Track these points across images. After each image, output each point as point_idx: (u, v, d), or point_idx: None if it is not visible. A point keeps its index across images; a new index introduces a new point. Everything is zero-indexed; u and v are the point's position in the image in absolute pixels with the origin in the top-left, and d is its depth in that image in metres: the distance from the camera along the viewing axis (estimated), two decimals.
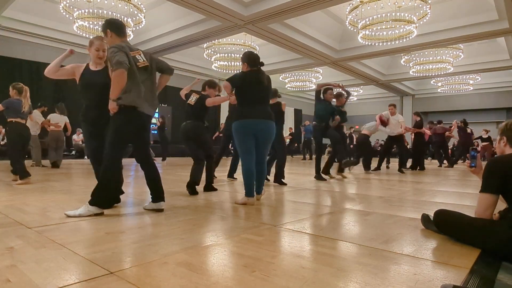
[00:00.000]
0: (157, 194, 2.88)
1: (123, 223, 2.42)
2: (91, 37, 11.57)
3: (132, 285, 1.35)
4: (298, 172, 7.50)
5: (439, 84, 18.19)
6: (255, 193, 3.34)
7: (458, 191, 4.68)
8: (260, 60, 3.48)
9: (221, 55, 13.65)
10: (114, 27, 2.81)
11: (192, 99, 4.24)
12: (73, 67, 3.10)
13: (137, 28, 10.64)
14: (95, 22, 9.75)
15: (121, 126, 2.69)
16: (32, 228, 2.22)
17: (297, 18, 10.78)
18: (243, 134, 3.29)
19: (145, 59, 2.81)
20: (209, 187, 4.23)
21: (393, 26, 10.14)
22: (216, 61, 14.02)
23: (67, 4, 9.39)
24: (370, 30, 10.50)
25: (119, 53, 2.58)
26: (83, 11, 9.41)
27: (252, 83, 3.38)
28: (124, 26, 2.90)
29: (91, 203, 2.61)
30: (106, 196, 2.71)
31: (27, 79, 11.23)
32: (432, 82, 18.77)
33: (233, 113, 3.73)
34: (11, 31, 11.38)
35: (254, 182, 3.34)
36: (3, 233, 2.10)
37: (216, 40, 12.57)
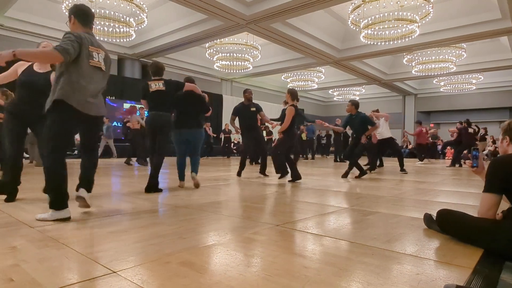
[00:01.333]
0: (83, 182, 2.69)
1: (126, 223, 2.42)
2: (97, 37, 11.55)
3: (135, 284, 1.35)
4: (301, 172, 7.47)
5: (442, 83, 18.14)
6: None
7: (461, 190, 4.66)
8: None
9: (223, 54, 13.66)
10: (80, 14, 2.59)
11: (158, 85, 4.02)
12: (15, 66, 3.11)
13: (140, 28, 10.66)
14: (98, 22, 9.76)
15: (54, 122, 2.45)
16: (35, 227, 2.22)
17: (299, 18, 10.77)
18: None
19: (101, 61, 2.64)
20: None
21: (395, 25, 10.11)
22: (218, 61, 14.04)
23: (69, 4, 9.41)
24: (372, 29, 10.48)
25: (71, 42, 2.34)
26: None
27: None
28: (92, 16, 2.67)
29: (50, 206, 2.42)
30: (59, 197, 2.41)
31: None
32: (434, 82, 18.71)
33: None
34: (14, 31, 11.42)
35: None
36: (6, 232, 2.11)
37: (218, 40, 12.58)
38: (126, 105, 14.33)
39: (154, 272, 1.49)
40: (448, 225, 2.17)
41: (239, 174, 6.11)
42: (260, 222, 2.52)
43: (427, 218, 2.43)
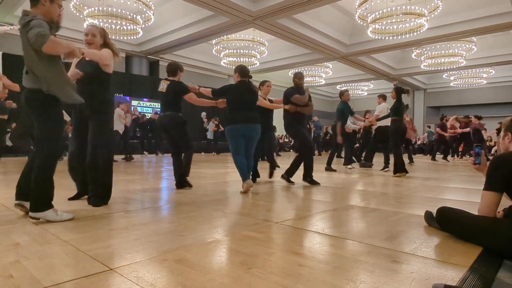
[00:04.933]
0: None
1: (127, 220, 2.46)
2: None
3: (129, 281, 1.38)
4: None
5: (452, 78, 17.85)
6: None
7: (467, 187, 4.60)
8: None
9: (230, 51, 13.67)
10: None
11: (163, 86, 4.04)
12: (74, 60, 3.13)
13: (146, 25, 10.72)
14: (105, 20, 9.86)
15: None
16: (39, 224, 2.28)
17: (305, 13, 10.70)
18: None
19: None
20: (181, 183, 4.07)
21: (403, 19, 9.98)
22: (225, 57, 14.05)
23: (78, 2, 9.51)
24: (380, 24, 10.36)
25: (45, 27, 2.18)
26: (93, 9, 9.53)
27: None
28: None
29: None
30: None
31: None
32: (444, 76, 18.44)
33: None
34: None
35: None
36: (11, 229, 2.17)
37: (225, 36, 12.58)
38: (134, 102, 14.47)
39: (150, 269, 1.51)
40: (447, 222, 2.16)
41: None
42: (259, 219, 2.53)
43: (428, 215, 2.42)
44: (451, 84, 18.86)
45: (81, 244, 1.86)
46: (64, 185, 3.63)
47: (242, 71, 4.05)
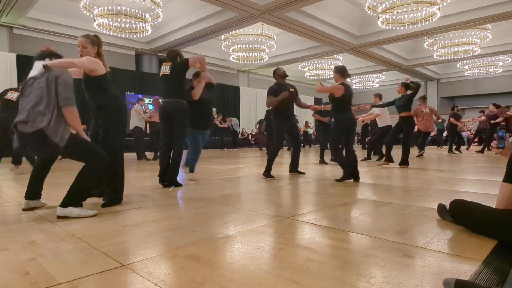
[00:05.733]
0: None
1: (139, 217, 2.50)
2: (111, 34, 11.66)
3: (141, 277, 1.41)
4: (316, 162, 7.44)
5: (466, 67, 17.42)
6: None
7: (482, 179, 4.51)
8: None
9: (238, 46, 13.64)
10: None
11: (165, 68, 3.89)
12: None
13: (155, 22, 10.76)
14: (115, 19, 9.95)
15: None
16: (54, 222, 2.33)
17: (314, 5, 10.57)
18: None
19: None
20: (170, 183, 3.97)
21: (414, 8, 9.76)
22: (234, 53, 14.03)
23: (87, 2, 9.62)
24: (391, 14, 10.15)
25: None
26: (102, 8, 9.62)
27: None
28: None
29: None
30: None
31: None
32: (458, 66, 18.01)
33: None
34: (36, 31, 11.81)
35: None
36: (28, 227, 2.23)
37: (234, 31, 12.54)
38: (145, 100, 14.59)
39: (161, 265, 1.54)
40: (461, 215, 2.12)
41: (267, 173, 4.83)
42: (269, 214, 2.54)
43: (441, 208, 2.38)
44: (466, 74, 18.41)
45: (95, 241, 1.89)
46: None
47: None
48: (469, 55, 14.31)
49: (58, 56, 2.67)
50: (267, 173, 4.74)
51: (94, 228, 2.19)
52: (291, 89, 4.84)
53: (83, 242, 1.88)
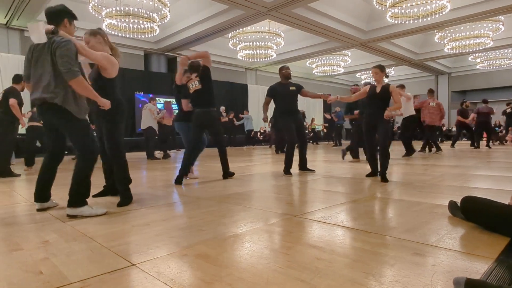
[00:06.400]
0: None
1: (149, 216, 2.52)
2: (120, 34, 11.72)
3: (151, 276, 1.42)
4: (328, 159, 7.40)
5: (478, 60, 17.10)
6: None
7: (495, 174, 4.43)
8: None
9: (246, 44, 13.62)
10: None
11: (195, 84, 4.24)
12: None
13: (163, 22, 10.82)
14: (123, 20, 10.03)
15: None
16: (66, 222, 2.37)
17: (321, 1, 10.49)
18: None
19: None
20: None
21: (424, 1, 9.61)
22: (241, 50, 14.02)
23: (96, 4, 9.71)
24: (400, 7, 10.01)
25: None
26: (111, 9, 9.71)
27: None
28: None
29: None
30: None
31: None
32: (470, 59, 17.69)
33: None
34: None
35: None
36: (41, 227, 2.27)
37: (241, 29, 12.53)
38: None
39: (171, 265, 1.55)
40: (472, 212, 2.09)
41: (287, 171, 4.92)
42: (278, 213, 2.54)
43: (452, 205, 2.35)
44: (477, 67, 18.07)
45: (106, 240, 1.92)
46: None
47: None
48: (481, 48, 14.03)
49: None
50: (286, 170, 4.85)
51: (105, 227, 2.22)
52: (292, 88, 4.97)
53: (94, 241, 1.91)
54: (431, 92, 8.86)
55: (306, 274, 1.41)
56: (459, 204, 2.23)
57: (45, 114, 2.59)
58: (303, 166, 5.11)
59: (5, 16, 10.50)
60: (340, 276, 1.38)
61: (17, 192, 3.84)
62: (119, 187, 3.00)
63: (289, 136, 4.88)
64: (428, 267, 1.46)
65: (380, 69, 4.23)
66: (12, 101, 5.22)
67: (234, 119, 14.23)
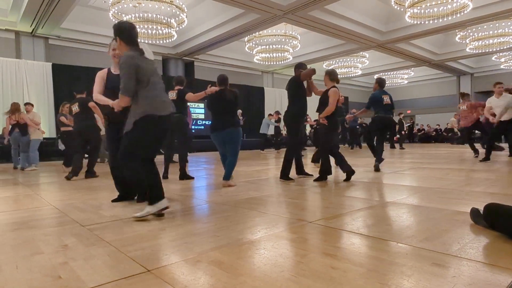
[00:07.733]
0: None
1: (164, 221, 2.55)
2: (139, 40, 12.08)
3: (165, 283, 1.43)
4: None
5: (502, 59, 16.54)
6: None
7: None
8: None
9: (262, 47, 13.66)
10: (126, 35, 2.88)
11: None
12: (99, 77, 3.26)
13: (180, 27, 10.99)
14: (142, 26, 10.26)
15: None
16: (85, 226, 2.43)
17: (338, 3, 10.41)
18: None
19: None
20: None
21: (444, 1, 9.38)
22: (258, 54, 14.07)
23: (116, 11, 9.97)
24: (419, 7, 9.82)
25: (128, 80, 2.62)
26: (130, 16, 9.94)
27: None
28: (136, 33, 2.97)
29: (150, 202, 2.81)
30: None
31: (85, 84, 12.18)
32: (493, 58, 17.12)
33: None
34: (70, 41, 12.40)
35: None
36: (61, 231, 2.33)
37: (257, 33, 12.58)
38: None
39: (184, 271, 1.56)
40: (496, 220, 2.01)
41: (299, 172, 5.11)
42: (293, 218, 2.52)
43: (474, 212, 2.27)
44: (502, 67, 17.49)
45: (122, 245, 1.96)
46: (109, 186, 3.84)
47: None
48: (505, 47, 13.57)
49: None
50: (287, 176, 4.64)
51: (122, 232, 2.26)
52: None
53: (112, 246, 1.95)
54: (461, 95, 8.42)
55: (319, 283, 1.39)
56: (481, 212, 2.15)
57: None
58: (300, 170, 5.08)
59: (31, 25, 10.93)
60: (354, 286, 1.36)
61: (41, 196, 3.96)
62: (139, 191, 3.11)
63: (297, 140, 4.80)
64: (448, 278, 1.42)
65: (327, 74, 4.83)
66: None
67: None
